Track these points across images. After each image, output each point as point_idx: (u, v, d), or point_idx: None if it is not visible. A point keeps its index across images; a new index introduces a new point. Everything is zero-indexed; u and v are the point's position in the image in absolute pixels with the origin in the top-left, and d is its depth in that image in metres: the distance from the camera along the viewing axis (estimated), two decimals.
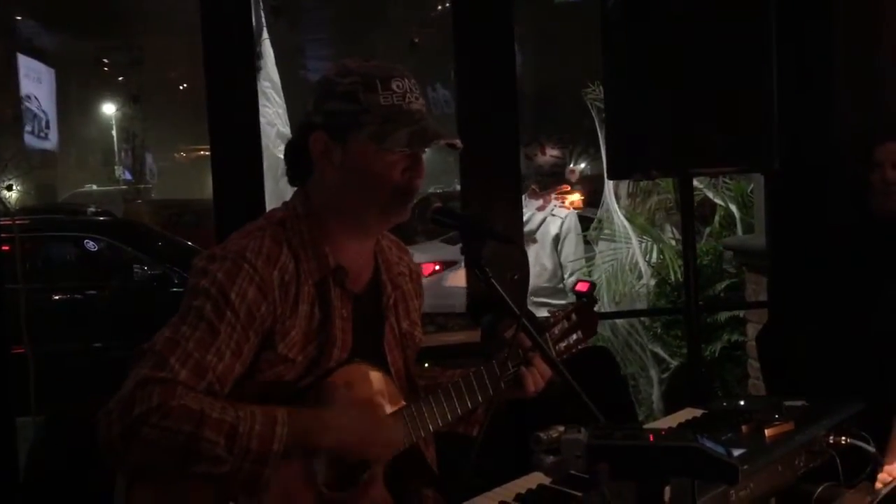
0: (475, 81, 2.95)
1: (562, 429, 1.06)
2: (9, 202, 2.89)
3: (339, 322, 1.60)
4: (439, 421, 1.67)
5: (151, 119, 20.73)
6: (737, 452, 1.31)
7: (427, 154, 1.67)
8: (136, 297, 7.54)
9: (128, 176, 21.46)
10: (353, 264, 1.65)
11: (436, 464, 1.76)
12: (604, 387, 2.50)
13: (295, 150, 1.67)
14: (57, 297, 7.08)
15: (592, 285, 1.94)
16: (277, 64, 4.35)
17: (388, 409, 1.64)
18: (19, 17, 16.97)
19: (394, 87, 1.58)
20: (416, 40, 14.03)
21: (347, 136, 1.57)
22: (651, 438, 1.04)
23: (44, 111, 16.34)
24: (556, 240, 4.20)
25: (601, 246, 5.03)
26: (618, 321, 4.77)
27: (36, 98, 16.14)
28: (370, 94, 1.56)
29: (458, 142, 1.65)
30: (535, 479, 1.53)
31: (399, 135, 1.55)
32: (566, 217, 4.21)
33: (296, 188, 1.71)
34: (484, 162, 2.83)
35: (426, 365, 1.93)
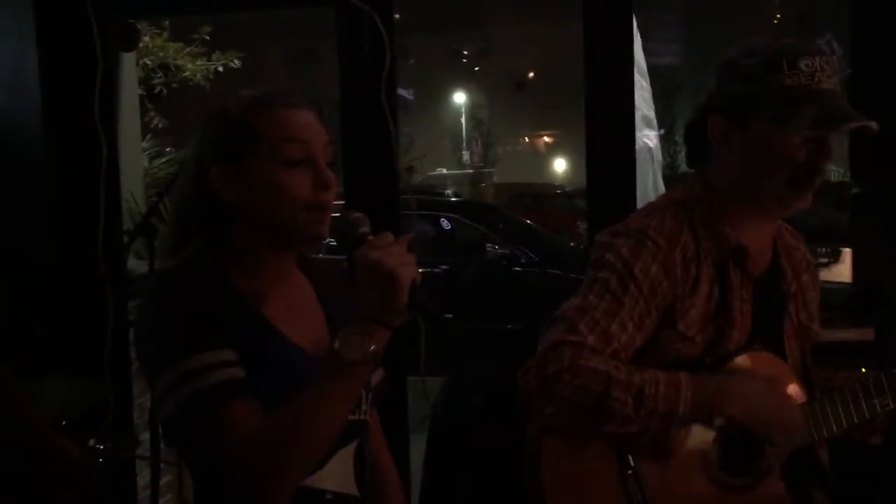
0: (875, 55, 2.69)
1: None
2: (407, 182, 3.20)
3: (738, 304, 1.58)
4: (844, 423, 1.59)
5: (497, 106, 21.77)
6: None
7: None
8: (487, 274, 8.03)
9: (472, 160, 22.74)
10: (753, 246, 1.61)
11: (828, 466, 1.68)
12: None
13: (693, 132, 1.66)
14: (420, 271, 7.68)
15: None
16: None
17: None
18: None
19: (802, 65, 1.51)
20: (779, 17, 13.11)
21: (748, 119, 1.54)
22: None
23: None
24: None
25: None
26: None
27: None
28: (774, 74, 1.51)
29: (873, 124, 1.53)
30: None
31: (803, 116, 1.48)
32: None
33: (693, 171, 1.70)
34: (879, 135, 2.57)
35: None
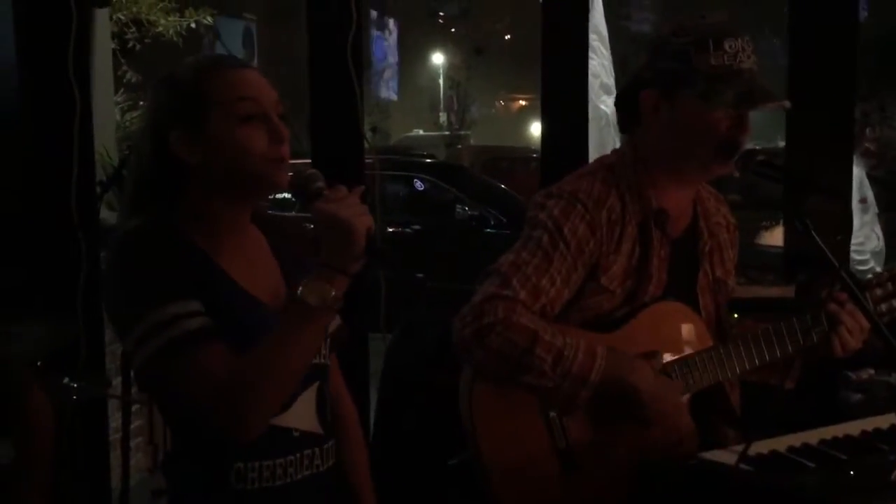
0: (810, 30, 2.85)
1: (872, 371, 1.11)
2: (371, 142, 3.32)
3: (657, 261, 1.74)
4: (746, 364, 1.75)
5: (475, 69, 21.72)
6: None
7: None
8: (457, 234, 8.17)
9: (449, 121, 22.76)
10: (674, 210, 1.77)
11: (739, 407, 1.85)
12: None
13: (624, 102, 1.80)
14: (390, 230, 7.69)
15: None
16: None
17: (695, 348, 1.76)
18: None
19: (726, 46, 1.65)
20: None
21: (676, 94, 1.68)
22: None
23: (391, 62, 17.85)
24: None
25: None
26: None
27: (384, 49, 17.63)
28: (702, 53, 1.65)
29: (786, 103, 1.70)
30: (843, 430, 1.56)
31: (727, 95, 1.63)
32: None
33: (624, 137, 1.86)
34: (814, 117, 2.75)
35: (735, 316, 2.00)
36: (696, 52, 1.65)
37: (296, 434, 1.44)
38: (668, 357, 1.73)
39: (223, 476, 1.39)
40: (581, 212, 1.70)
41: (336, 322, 1.55)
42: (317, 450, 1.47)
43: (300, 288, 1.31)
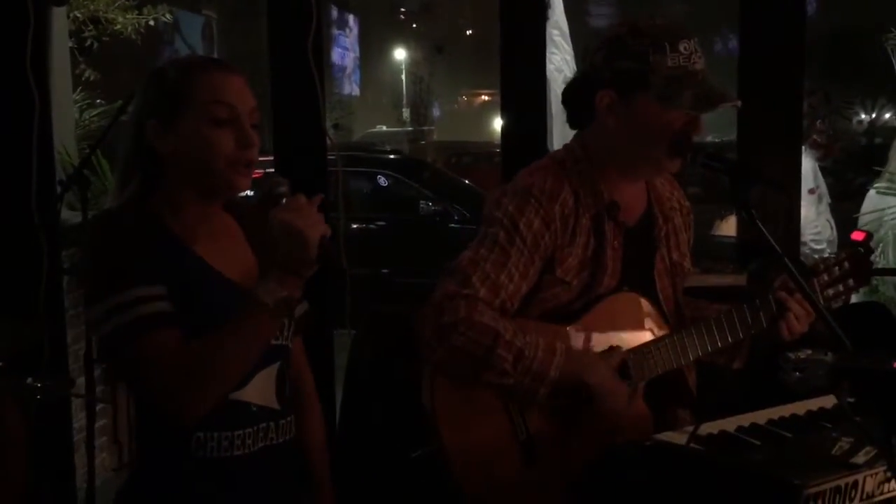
0: (760, 28, 2.93)
1: (809, 351, 1.17)
2: (333, 138, 3.34)
3: (611, 252, 1.79)
4: (699, 350, 1.81)
5: (437, 64, 21.75)
6: None
7: None
8: (421, 230, 8.21)
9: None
10: (626, 201, 1.82)
11: (695, 389, 1.91)
12: (875, 343, 2.46)
13: (575, 100, 1.83)
14: (354, 227, 7.71)
15: (869, 235, 1.96)
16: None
17: (653, 335, 1.82)
18: None
19: (681, 48, 1.69)
20: None
21: (633, 95, 1.71)
22: None
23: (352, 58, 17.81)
24: None
25: (891, 201, 4.75)
26: None
27: (345, 46, 17.58)
28: (659, 55, 1.68)
29: (738, 102, 1.76)
30: (789, 410, 1.63)
31: (684, 96, 1.67)
32: None
33: (574, 133, 1.90)
34: (763, 111, 2.83)
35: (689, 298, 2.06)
36: (654, 53, 1.69)
37: (254, 409, 1.52)
38: (624, 346, 1.78)
39: (184, 444, 1.48)
40: (535, 206, 1.74)
41: (303, 307, 1.63)
42: (271, 424, 1.55)
43: (256, 286, 1.42)
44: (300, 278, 1.42)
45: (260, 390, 1.52)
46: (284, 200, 1.43)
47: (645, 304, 1.83)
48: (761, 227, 1.57)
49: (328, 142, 3.13)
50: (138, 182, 1.50)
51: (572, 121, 1.87)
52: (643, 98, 1.70)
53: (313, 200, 1.43)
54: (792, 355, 1.21)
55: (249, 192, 1.54)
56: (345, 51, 18.94)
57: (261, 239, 1.54)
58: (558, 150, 1.90)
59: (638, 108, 1.71)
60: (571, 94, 1.85)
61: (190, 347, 1.40)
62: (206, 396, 1.41)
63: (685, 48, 1.69)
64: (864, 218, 4.15)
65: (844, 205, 5.72)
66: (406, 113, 23.07)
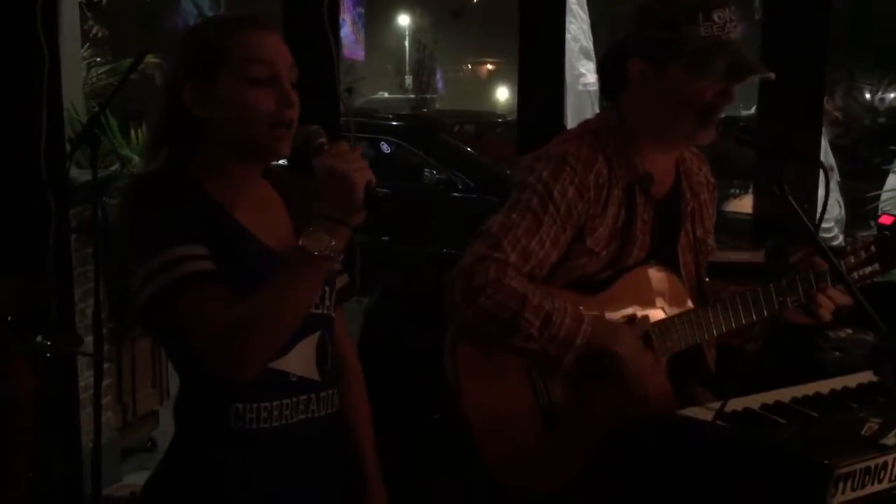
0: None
1: (850, 331, 1.16)
2: (346, 102, 3.30)
3: (641, 224, 1.77)
4: (723, 327, 1.80)
5: (442, 31, 21.55)
6: None
7: None
8: (425, 198, 8.16)
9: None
10: (658, 173, 1.80)
11: (715, 366, 1.90)
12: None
13: (609, 70, 1.81)
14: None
15: None
16: None
17: (675, 311, 1.80)
18: None
19: (715, 17, 1.66)
20: None
21: (665, 64, 1.69)
22: None
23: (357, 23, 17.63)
24: None
25: None
26: None
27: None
28: (691, 24, 1.65)
29: (771, 74, 1.72)
30: (813, 388, 1.62)
31: (716, 66, 1.64)
32: None
33: (606, 103, 1.87)
34: (787, 86, 2.79)
35: (706, 279, 2.05)
36: (686, 22, 1.66)
37: (293, 378, 1.48)
38: (648, 320, 1.76)
39: (223, 416, 1.44)
40: (570, 174, 1.71)
41: (344, 279, 1.61)
42: (313, 396, 1.50)
43: (302, 237, 1.36)
44: (348, 227, 1.36)
45: (300, 360, 1.48)
46: (326, 148, 1.38)
47: (669, 279, 1.81)
48: (795, 204, 1.55)
49: (341, 106, 3.09)
50: (173, 147, 1.45)
51: (607, 92, 1.84)
52: (674, 67, 1.68)
53: (356, 147, 1.39)
54: (832, 334, 1.19)
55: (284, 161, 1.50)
56: (351, 15, 18.78)
57: (301, 210, 1.51)
58: (591, 119, 1.88)
59: (669, 78, 1.69)
60: (605, 64, 1.83)
61: (238, 305, 1.36)
62: (256, 356, 1.37)
63: (719, 17, 1.66)
64: (885, 196, 4.09)
65: (854, 184, 5.69)
66: (409, 80, 22.89)
